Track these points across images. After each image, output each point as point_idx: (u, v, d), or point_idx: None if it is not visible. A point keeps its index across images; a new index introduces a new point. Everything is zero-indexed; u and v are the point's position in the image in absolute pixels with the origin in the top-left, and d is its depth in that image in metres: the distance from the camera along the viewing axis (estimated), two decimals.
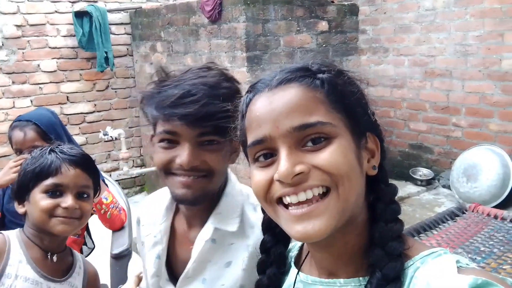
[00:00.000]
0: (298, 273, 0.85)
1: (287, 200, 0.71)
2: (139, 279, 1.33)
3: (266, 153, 0.73)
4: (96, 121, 5.01)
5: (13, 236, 1.32)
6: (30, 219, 1.31)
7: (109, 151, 5.13)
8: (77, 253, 1.46)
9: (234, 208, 1.22)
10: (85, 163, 1.35)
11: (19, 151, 1.97)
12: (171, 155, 1.13)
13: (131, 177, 5.18)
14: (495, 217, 2.43)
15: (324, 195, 0.70)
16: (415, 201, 4.16)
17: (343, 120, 0.72)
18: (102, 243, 2.27)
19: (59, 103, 4.82)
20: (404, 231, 0.77)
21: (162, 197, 1.30)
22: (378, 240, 0.73)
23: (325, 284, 0.79)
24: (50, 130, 2.02)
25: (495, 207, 3.70)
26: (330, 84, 0.73)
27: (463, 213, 2.55)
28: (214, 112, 1.09)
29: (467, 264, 0.68)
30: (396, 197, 0.79)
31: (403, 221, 0.78)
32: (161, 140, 1.15)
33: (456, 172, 4.05)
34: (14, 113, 4.58)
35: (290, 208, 0.71)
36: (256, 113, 0.74)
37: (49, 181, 1.28)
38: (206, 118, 1.09)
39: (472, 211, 2.54)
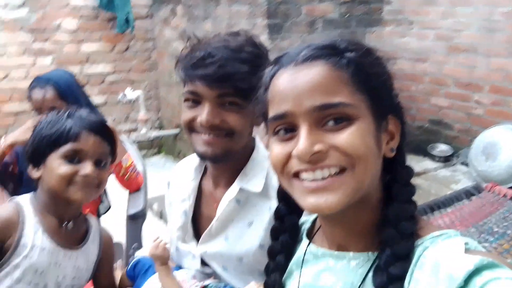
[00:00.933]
0: (309, 244, 0.87)
1: (303, 176, 0.72)
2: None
3: (287, 127, 0.74)
4: (116, 82, 5.04)
5: (26, 203, 1.29)
6: (46, 184, 1.28)
7: (127, 113, 5.17)
8: (92, 218, 1.44)
9: (259, 171, 1.28)
10: (105, 131, 1.32)
11: (38, 111, 1.99)
12: (194, 114, 1.20)
13: (149, 139, 5.24)
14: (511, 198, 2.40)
15: (339, 173, 0.71)
16: (432, 177, 4.13)
17: (366, 101, 0.72)
18: (119, 203, 2.32)
19: (80, 63, 4.84)
20: (418, 207, 0.78)
21: (191, 161, 1.38)
22: (391, 219, 0.75)
23: (335, 257, 0.81)
24: (69, 92, 2.04)
25: None
26: (357, 65, 0.72)
27: (479, 192, 2.52)
28: (232, 73, 1.14)
29: (475, 247, 0.70)
30: (412, 175, 0.80)
31: (418, 195, 0.79)
32: (186, 100, 1.22)
33: (475, 150, 3.99)
34: (35, 71, 4.63)
35: (304, 182, 0.72)
36: (279, 88, 0.74)
37: (68, 147, 1.24)
38: (223, 79, 1.15)
39: (489, 191, 2.51)
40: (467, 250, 0.67)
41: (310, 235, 0.90)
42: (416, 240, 0.73)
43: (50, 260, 1.26)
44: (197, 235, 1.38)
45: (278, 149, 0.74)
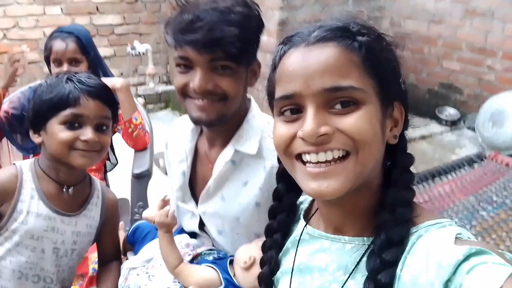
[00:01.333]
0: (305, 225, 0.89)
1: (306, 157, 0.72)
2: (164, 203, 1.38)
3: (293, 108, 0.73)
4: (125, 34, 4.99)
5: (26, 168, 1.29)
6: (47, 150, 1.26)
7: (136, 65, 5.15)
8: (96, 181, 1.42)
9: (254, 133, 1.29)
10: (105, 95, 1.29)
11: (57, 62, 2.00)
12: (186, 80, 1.20)
13: (157, 93, 5.24)
14: None
15: (342, 158, 0.71)
16: (437, 141, 4.13)
17: (374, 86, 0.72)
18: (126, 160, 2.37)
19: (89, 13, 4.79)
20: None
21: (188, 121, 1.37)
22: (388, 204, 0.75)
23: (330, 239, 0.82)
24: (90, 46, 2.05)
25: None
26: (368, 49, 0.72)
27: (482, 160, 2.54)
28: (221, 37, 1.12)
29: (468, 237, 0.70)
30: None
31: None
32: (178, 65, 1.21)
33: (483, 116, 3.97)
34: (44, 20, 4.59)
35: (307, 165, 0.72)
36: (289, 67, 0.73)
37: (68, 112, 1.22)
38: (213, 43, 1.13)
39: (491, 160, 2.53)
40: (459, 240, 0.68)
41: (308, 216, 0.92)
42: (412, 227, 0.74)
43: (47, 226, 1.26)
44: (194, 195, 1.42)
45: (283, 129, 0.74)
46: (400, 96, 0.78)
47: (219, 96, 1.19)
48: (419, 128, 4.07)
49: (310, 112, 0.70)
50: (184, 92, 1.22)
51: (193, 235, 1.46)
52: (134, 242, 1.51)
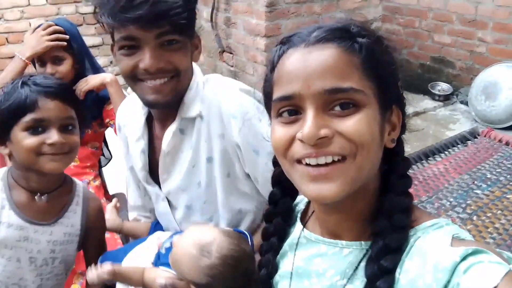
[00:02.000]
0: (303, 229, 0.89)
1: (305, 161, 0.72)
2: (116, 209, 1.39)
3: (291, 109, 0.72)
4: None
5: None
6: (16, 159, 1.21)
7: None
8: (79, 188, 1.35)
9: (196, 95, 1.27)
10: (63, 93, 1.21)
11: (40, 61, 1.95)
12: (134, 61, 1.15)
13: None
14: (507, 143, 2.44)
15: (341, 160, 0.70)
16: (431, 117, 4.14)
17: (374, 89, 0.71)
18: (120, 154, 2.36)
19: (74, 2, 4.72)
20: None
21: (137, 99, 1.33)
22: (385, 210, 0.75)
23: (327, 243, 0.82)
24: (73, 41, 1.99)
25: (510, 127, 3.69)
26: (368, 51, 0.71)
27: (475, 137, 2.55)
28: (166, 10, 1.09)
29: (465, 236, 0.71)
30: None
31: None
32: (121, 48, 1.16)
33: (476, 89, 3.97)
34: (29, 11, 4.52)
35: (308, 166, 0.72)
36: (288, 68, 0.72)
37: (28, 118, 1.16)
38: (159, 17, 1.09)
39: (484, 136, 2.54)
40: (456, 240, 0.69)
41: (304, 219, 0.92)
42: (409, 230, 0.74)
43: (19, 236, 1.23)
44: (155, 177, 1.39)
45: (281, 131, 0.73)
46: (398, 100, 0.78)
47: (171, 73, 1.17)
48: (413, 106, 4.08)
49: (309, 114, 0.69)
50: (133, 75, 1.17)
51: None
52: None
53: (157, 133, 1.37)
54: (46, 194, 1.25)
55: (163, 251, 1.23)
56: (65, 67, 1.95)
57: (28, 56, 1.92)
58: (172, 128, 1.27)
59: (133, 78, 1.18)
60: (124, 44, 1.14)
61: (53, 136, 1.17)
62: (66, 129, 1.20)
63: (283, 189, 0.92)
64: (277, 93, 0.74)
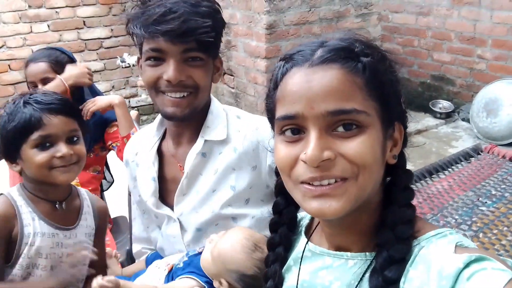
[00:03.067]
0: (307, 242, 0.89)
1: (308, 182, 0.73)
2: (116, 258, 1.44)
3: (294, 128, 0.73)
4: (114, 47, 4.97)
5: (15, 194, 1.30)
6: (29, 175, 1.28)
7: (127, 77, 5.14)
8: (82, 192, 1.43)
9: (220, 121, 1.33)
10: (65, 108, 1.28)
11: (33, 85, 2.00)
12: (159, 72, 1.22)
13: (150, 104, 5.23)
14: (511, 159, 2.41)
15: (343, 180, 0.71)
16: (433, 134, 4.14)
17: (377, 109, 0.72)
18: (122, 177, 2.35)
19: (76, 28, 4.77)
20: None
21: (147, 130, 1.40)
22: (389, 222, 0.75)
23: (332, 256, 0.82)
24: (61, 64, 2.03)
25: None
26: (372, 71, 0.71)
27: (478, 154, 2.53)
28: (195, 27, 1.17)
29: (468, 244, 0.71)
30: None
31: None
32: (148, 58, 1.23)
33: (477, 106, 3.98)
34: (32, 38, 4.57)
35: (310, 185, 0.72)
36: (292, 88, 0.73)
37: (35, 135, 1.22)
38: (188, 33, 1.17)
39: (488, 152, 2.52)
40: (459, 248, 0.69)
41: (309, 232, 0.92)
42: (413, 240, 0.74)
43: (52, 242, 1.29)
44: (164, 200, 1.41)
45: (285, 151, 0.74)
46: (401, 116, 0.78)
47: (191, 89, 1.23)
48: (415, 123, 4.08)
49: (313, 136, 0.70)
50: (156, 86, 1.24)
51: None
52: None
53: (169, 153, 1.39)
54: (63, 201, 1.33)
55: (180, 265, 1.29)
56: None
57: (71, 84, 2.01)
58: (196, 149, 1.31)
59: (156, 89, 1.25)
60: (151, 55, 1.21)
61: (61, 149, 1.24)
62: (72, 141, 1.28)
63: (287, 198, 0.91)
64: (280, 112, 0.74)
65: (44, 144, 1.23)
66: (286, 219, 0.94)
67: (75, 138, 1.29)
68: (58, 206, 1.32)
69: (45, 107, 1.24)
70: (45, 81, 1.98)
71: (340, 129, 0.70)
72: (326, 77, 0.70)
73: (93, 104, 2.04)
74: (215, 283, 1.19)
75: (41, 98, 1.26)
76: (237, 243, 1.15)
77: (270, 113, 0.80)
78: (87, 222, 1.39)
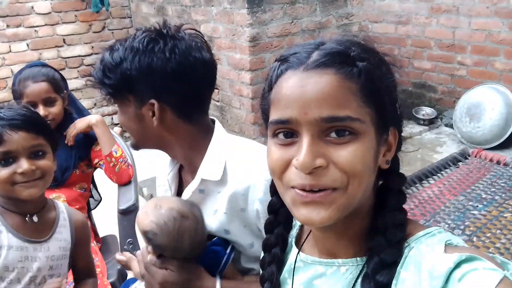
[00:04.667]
0: (298, 253, 0.87)
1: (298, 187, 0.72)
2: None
3: (287, 132, 0.72)
4: (94, 64, 4.91)
5: None
6: None
7: None
8: (60, 204, 1.43)
9: (218, 158, 1.26)
10: (26, 123, 1.27)
11: (31, 104, 1.94)
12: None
13: None
14: (498, 162, 2.44)
15: (332, 190, 0.70)
16: (417, 141, 4.17)
17: (372, 115, 0.70)
18: (110, 195, 2.31)
19: (56, 46, 4.72)
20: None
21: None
22: (380, 226, 0.75)
23: (324, 264, 0.81)
24: (61, 83, 2.02)
25: (497, 147, 3.73)
26: (368, 77, 0.70)
27: (466, 158, 2.55)
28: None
29: (458, 243, 0.71)
30: (404, 182, 0.80)
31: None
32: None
33: (459, 112, 4.03)
34: (10, 57, 4.51)
35: (300, 191, 0.71)
36: (286, 92, 0.71)
37: None
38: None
39: (475, 157, 2.55)
40: (449, 247, 0.69)
41: (299, 242, 0.91)
42: (403, 243, 0.74)
43: (20, 256, 1.28)
44: None
45: (278, 154, 0.73)
46: (396, 121, 0.77)
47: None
48: None
49: (305, 142, 0.69)
50: None
51: None
52: None
53: (185, 178, 1.37)
54: (35, 214, 1.33)
55: None
56: (58, 108, 1.99)
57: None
58: (192, 187, 1.27)
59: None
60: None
61: (23, 165, 1.24)
62: (36, 155, 1.28)
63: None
64: (273, 115, 0.73)
65: (7, 159, 1.24)
66: (282, 218, 0.92)
67: (40, 153, 1.29)
68: (29, 219, 1.32)
69: (6, 123, 1.24)
70: (46, 101, 1.96)
71: (333, 134, 0.69)
72: (320, 83, 0.69)
73: (74, 128, 2.05)
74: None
75: (4, 114, 1.27)
76: (142, 209, 1.18)
77: (264, 114, 0.79)
78: (62, 235, 1.38)
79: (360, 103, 0.69)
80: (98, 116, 2.09)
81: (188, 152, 1.27)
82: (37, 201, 1.34)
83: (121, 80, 1.18)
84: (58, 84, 2.00)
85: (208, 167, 1.25)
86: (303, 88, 0.69)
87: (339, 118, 0.68)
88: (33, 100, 1.93)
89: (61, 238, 1.38)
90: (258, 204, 1.19)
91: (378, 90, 0.71)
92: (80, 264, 1.48)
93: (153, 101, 1.17)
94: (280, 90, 0.73)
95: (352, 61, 0.71)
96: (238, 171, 1.24)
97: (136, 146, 1.29)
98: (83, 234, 1.46)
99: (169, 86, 1.17)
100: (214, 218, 1.26)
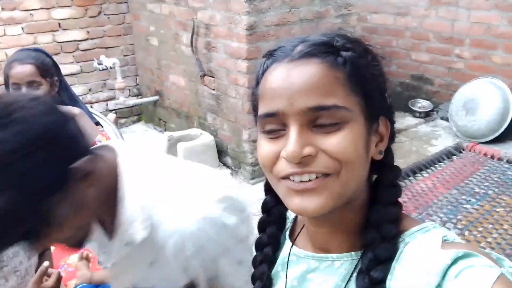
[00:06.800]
0: (292, 246, 0.86)
1: (290, 177, 0.71)
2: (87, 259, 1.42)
3: (276, 125, 0.71)
4: (90, 49, 4.88)
5: None
6: None
7: (104, 80, 5.05)
8: None
9: (132, 219, 1.06)
10: None
11: (16, 86, 1.94)
12: None
13: (128, 107, 5.15)
14: (492, 157, 2.43)
15: (325, 176, 0.69)
16: (413, 134, 4.17)
17: (360, 104, 0.70)
18: None
19: (51, 30, 4.67)
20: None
21: None
22: (374, 221, 0.74)
23: (317, 258, 0.80)
24: (49, 68, 2.00)
25: (492, 141, 3.72)
26: (353, 65, 0.69)
27: (460, 152, 2.55)
28: None
29: (454, 238, 0.70)
30: (399, 176, 0.79)
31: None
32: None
33: (456, 105, 4.02)
34: (5, 41, 4.46)
35: (292, 182, 0.71)
36: (271, 84, 0.71)
37: None
38: None
39: (469, 151, 2.54)
40: (445, 243, 0.68)
41: (293, 236, 0.90)
42: (398, 238, 0.73)
43: None
44: None
45: (267, 148, 0.72)
46: (386, 111, 0.76)
47: None
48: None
49: (293, 132, 0.68)
50: None
51: None
52: None
53: None
54: None
55: None
56: (42, 93, 1.94)
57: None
58: (117, 255, 1.13)
59: None
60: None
61: None
62: None
63: (276, 196, 0.88)
64: (261, 109, 0.73)
65: None
66: (275, 217, 0.91)
67: None
68: None
69: None
70: (31, 84, 1.94)
71: (321, 123, 0.68)
72: (305, 72, 0.68)
73: None
74: None
75: None
76: None
77: (254, 110, 0.78)
78: None
79: (347, 92, 0.68)
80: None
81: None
82: None
83: None
84: (45, 69, 1.97)
85: (124, 229, 1.05)
86: (288, 79, 0.69)
87: (326, 107, 0.67)
88: (17, 82, 1.92)
89: None
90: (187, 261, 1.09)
91: (364, 79, 0.71)
92: None
93: None
94: (266, 84, 0.72)
95: (337, 51, 0.70)
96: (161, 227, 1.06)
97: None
98: None
99: None
100: (154, 270, 1.13)
